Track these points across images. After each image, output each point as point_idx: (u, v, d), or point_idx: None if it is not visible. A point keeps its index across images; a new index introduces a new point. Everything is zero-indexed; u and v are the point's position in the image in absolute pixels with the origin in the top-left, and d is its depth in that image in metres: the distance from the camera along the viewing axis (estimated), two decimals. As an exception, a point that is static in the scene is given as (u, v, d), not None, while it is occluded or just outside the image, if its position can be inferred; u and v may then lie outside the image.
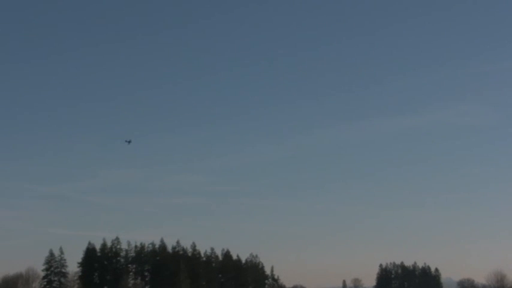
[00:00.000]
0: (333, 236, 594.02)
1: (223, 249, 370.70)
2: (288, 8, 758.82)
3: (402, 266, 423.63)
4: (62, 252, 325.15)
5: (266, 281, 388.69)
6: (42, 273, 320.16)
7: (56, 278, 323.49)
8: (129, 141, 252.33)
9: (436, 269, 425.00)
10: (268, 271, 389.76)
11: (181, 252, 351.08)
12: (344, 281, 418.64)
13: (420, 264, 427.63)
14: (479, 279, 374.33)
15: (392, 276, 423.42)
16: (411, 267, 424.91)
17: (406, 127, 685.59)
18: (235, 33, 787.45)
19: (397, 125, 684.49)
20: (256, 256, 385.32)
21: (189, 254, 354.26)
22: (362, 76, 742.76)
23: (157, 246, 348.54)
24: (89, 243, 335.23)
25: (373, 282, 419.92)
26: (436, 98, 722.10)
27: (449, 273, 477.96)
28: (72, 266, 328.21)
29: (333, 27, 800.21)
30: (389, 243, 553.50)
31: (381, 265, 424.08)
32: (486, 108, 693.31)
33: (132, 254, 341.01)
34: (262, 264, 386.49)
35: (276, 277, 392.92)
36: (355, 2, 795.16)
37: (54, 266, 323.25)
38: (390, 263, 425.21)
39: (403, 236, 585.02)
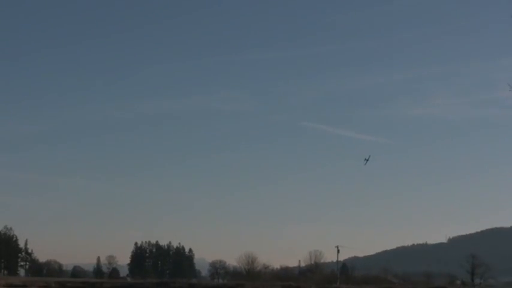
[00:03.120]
0: (88, 214, 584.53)
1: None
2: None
3: (157, 245, 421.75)
4: None
5: (20, 255, 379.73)
6: None
7: None
8: (368, 159, 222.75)
9: (190, 250, 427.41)
10: (22, 245, 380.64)
11: None
12: (98, 258, 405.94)
13: (175, 244, 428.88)
14: (231, 261, 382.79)
15: (147, 254, 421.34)
16: (166, 247, 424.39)
17: (169, 110, 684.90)
18: None
19: (159, 107, 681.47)
20: (11, 229, 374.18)
21: None
22: (127, 61, 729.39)
23: None
24: None
25: (127, 260, 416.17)
26: (199, 83, 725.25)
27: (202, 254, 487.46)
28: None
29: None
30: (146, 223, 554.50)
31: (136, 243, 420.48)
32: (247, 95, 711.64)
33: None
34: (16, 237, 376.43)
35: (29, 251, 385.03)
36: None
37: None
38: (146, 242, 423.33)
39: (160, 216, 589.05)
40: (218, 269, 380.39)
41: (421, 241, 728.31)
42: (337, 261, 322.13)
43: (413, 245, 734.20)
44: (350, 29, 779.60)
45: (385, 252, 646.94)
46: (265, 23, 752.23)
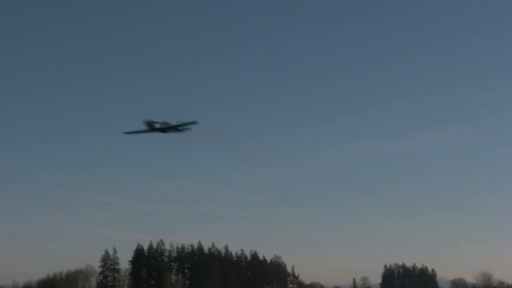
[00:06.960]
0: (344, 239, 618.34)
1: (251, 251, 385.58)
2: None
3: (403, 267, 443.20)
4: (115, 252, 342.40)
5: (288, 279, 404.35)
6: (99, 269, 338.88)
7: (110, 274, 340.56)
8: None
9: (433, 270, 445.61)
10: (289, 270, 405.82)
11: (215, 253, 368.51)
12: (354, 279, 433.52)
13: (419, 265, 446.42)
14: (470, 278, 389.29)
15: (395, 275, 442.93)
16: (411, 268, 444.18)
17: (401, 149, 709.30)
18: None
19: (393, 146, 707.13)
20: (280, 257, 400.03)
21: (222, 255, 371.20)
22: (361, 102, 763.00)
23: (195, 247, 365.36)
24: (138, 245, 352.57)
25: (378, 280, 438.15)
26: (426, 123, 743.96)
27: (443, 273, 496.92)
28: (124, 264, 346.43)
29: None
30: (393, 246, 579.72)
31: (385, 265, 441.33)
32: (471, 132, 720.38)
33: (174, 254, 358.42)
34: (284, 263, 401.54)
35: (296, 275, 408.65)
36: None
37: (108, 263, 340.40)
38: (393, 264, 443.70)
39: (405, 240, 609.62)
40: (458, 286, 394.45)
41: None
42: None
43: None
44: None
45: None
46: (483, 66, 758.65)
